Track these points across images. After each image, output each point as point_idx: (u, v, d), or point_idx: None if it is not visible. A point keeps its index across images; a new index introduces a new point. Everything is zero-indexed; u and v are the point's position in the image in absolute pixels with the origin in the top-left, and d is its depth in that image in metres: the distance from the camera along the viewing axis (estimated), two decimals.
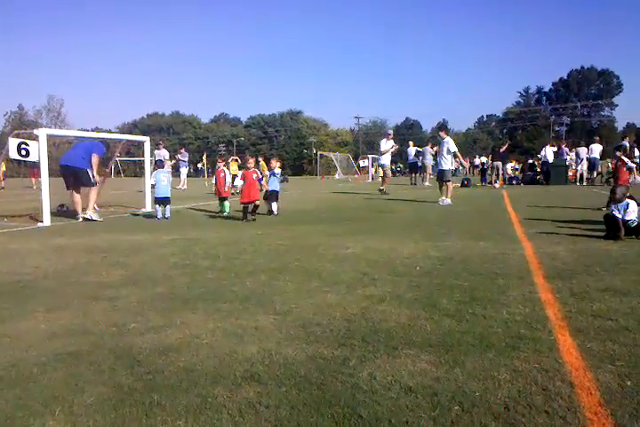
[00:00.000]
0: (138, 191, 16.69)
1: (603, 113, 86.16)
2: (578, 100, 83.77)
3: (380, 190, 15.93)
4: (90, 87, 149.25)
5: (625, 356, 2.49)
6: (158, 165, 10.08)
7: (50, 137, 10.45)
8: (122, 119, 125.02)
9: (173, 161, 22.02)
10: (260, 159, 17.11)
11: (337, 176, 41.03)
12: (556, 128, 78.24)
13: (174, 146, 55.23)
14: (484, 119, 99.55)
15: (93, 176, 9.56)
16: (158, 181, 9.64)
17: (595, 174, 21.07)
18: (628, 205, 6.06)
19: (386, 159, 16.19)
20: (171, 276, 4.49)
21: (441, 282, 4.04)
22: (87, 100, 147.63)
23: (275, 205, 9.79)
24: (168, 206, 9.59)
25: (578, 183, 20.28)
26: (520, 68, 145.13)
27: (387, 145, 16.02)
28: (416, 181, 22.94)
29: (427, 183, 20.73)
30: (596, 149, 20.57)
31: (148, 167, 11.83)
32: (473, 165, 41.65)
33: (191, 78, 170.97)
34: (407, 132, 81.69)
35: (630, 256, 5.00)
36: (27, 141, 8.83)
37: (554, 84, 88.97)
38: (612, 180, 13.81)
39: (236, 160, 19.96)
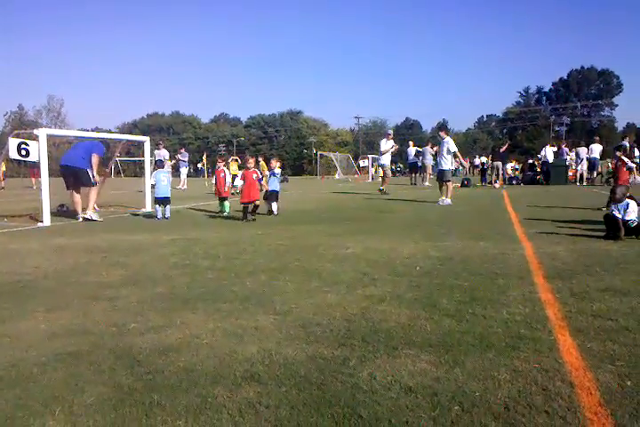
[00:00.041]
0: (138, 191, 16.69)
1: (603, 113, 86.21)
2: (578, 100, 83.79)
3: (380, 190, 15.93)
4: (90, 87, 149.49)
5: (625, 356, 2.49)
6: (158, 165, 10.09)
7: (50, 137, 10.45)
8: (122, 119, 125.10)
9: (173, 161, 22.02)
10: (260, 159, 17.11)
11: (337, 176, 41.03)
12: (556, 128, 78.26)
13: (174, 146, 55.24)
14: (484, 119, 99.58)
15: (93, 176, 9.56)
16: (158, 180, 9.65)
17: (595, 174, 21.07)
18: (628, 205, 6.06)
19: (386, 159, 16.20)
20: (171, 276, 4.49)
21: (441, 282, 4.04)
22: (87, 100, 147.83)
23: (275, 205, 9.79)
24: (168, 206, 9.59)
25: (578, 183, 20.28)
26: (520, 68, 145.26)
27: (387, 145, 16.03)
28: (416, 181, 22.94)
29: (427, 183, 20.74)
30: (596, 149, 20.58)
31: (148, 167, 11.83)
32: (473, 165, 41.66)
33: (191, 78, 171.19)
34: (407, 132, 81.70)
35: (630, 256, 5.00)
36: (27, 141, 8.83)
37: (554, 84, 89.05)
38: (611, 180, 13.82)
39: (236, 160, 19.97)
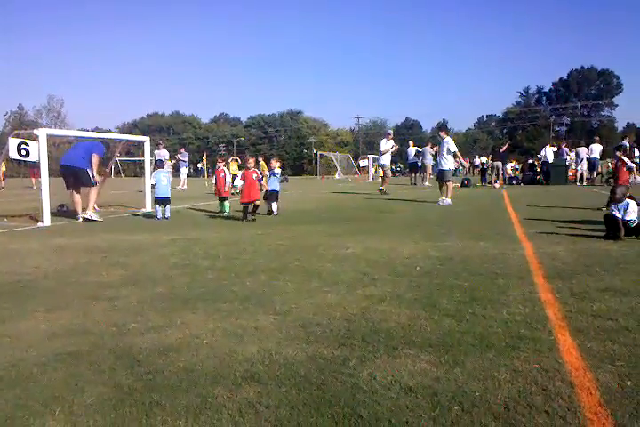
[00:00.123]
0: (138, 191, 16.69)
1: (603, 113, 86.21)
2: (578, 100, 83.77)
3: (380, 190, 15.93)
4: (90, 87, 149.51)
5: (625, 356, 2.49)
6: (158, 165, 10.10)
7: (50, 137, 10.45)
8: (122, 119, 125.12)
9: (173, 161, 22.03)
10: (260, 159, 17.11)
11: (337, 176, 41.03)
12: (556, 128, 78.26)
13: (174, 146, 55.25)
14: (484, 119, 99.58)
15: (93, 176, 9.56)
16: (158, 180, 9.65)
17: (595, 174, 21.07)
18: (628, 205, 6.06)
19: (386, 159, 16.20)
20: (171, 276, 4.49)
21: (441, 282, 4.04)
22: (87, 100, 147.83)
23: (275, 205, 9.79)
24: (168, 206, 9.60)
25: (578, 183, 20.28)
26: (520, 68, 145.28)
27: (387, 145, 16.03)
28: (416, 181, 22.94)
29: (427, 183, 20.74)
30: (596, 149, 20.58)
31: (148, 167, 11.83)
32: (473, 165, 41.66)
33: (191, 78, 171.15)
34: (407, 132, 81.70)
35: (630, 256, 5.00)
36: (27, 141, 8.83)
37: (554, 84, 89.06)
38: (611, 180, 13.82)
39: (236, 160, 19.97)
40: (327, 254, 5.38)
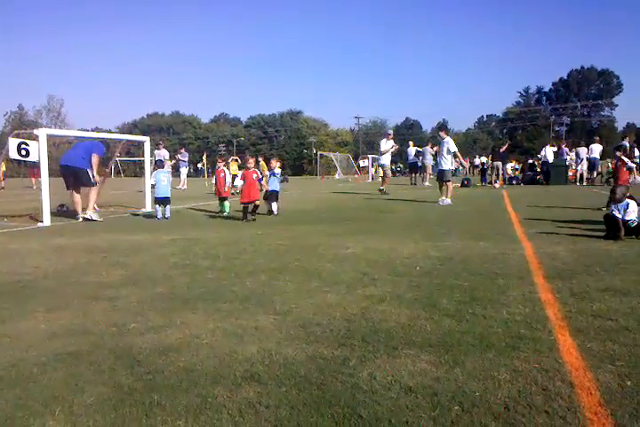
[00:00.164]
0: (138, 191, 16.69)
1: (603, 113, 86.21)
2: (578, 100, 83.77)
3: (380, 190, 15.93)
4: (90, 87, 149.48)
5: (625, 356, 2.49)
6: (158, 164, 10.10)
7: (50, 137, 10.44)
8: (122, 119, 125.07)
9: (173, 161, 22.03)
10: (260, 159, 17.11)
11: (337, 176, 41.03)
12: (556, 128, 78.26)
13: (174, 146, 55.25)
14: (484, 119, 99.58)
15: (93, 176, 9.57)
16: (158, 180, 9.65)
17: (595, 174, 21.08)
18: (628, 205, 6.06)
19: (386, 159, 16.20)
20: (171, 276, 4.49)
21: (441, 282, 4.04)
22: (87, 100, 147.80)
23: (275, 205, 9.79)
24: (168, 206, 9.60)
25: (578, 183, 20.28)
26: (520, 68, 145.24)
27: (387, 145, 16.03)
28: (416, 181, 22.94)
29: (427, 183, 20.74)
30: (596, 149, 20.58)
31: (148, 167, 11.83)
32: (473, 165, 41.66)
33: (191, 78, 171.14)
34: (407, 132, 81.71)
35: (630, 256, 5.00)
36: (27, 141, 8.84)
37: (554, 84, 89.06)
38: (611, 180, 13.82)
39: (236, 160, 19.98)
40: (327, 254, 5.38)
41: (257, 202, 9.00)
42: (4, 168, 23.95)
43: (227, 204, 10.30)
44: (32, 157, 8.88)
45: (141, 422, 1.94)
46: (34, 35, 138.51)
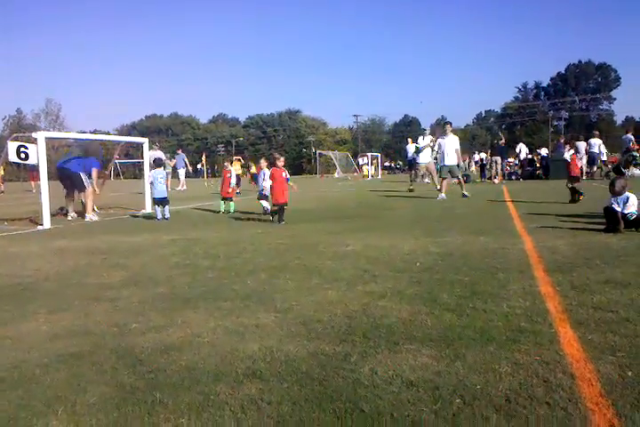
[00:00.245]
0: (137, 193, 16.70)
1: (601, 107, 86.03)
2: (576, 95, 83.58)
3: (410, 190, 15.64)
4: (88, 90, 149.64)
5: (626, 347, 2.49)
6: (157, 163, 10.11)
7: (48, 140, 10.46)
8: (120, 121, 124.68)
9: (174, 160, 22.06)
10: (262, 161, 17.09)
11: (336, 175, 41.05)
12: (555, 123, 78.23)
13: (173, 147, 55.23)
14: (483, 115, 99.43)
15: (87, 182, 9.72)
16: (155, 179, 9.67)
17: (594, 168, 21.08)
18: (627, 198, 6.06)
19: (425, 157, 15.56)
20: (171, 276, 4.50)
21: (441, 277, 4.05)
22: (85, 103, 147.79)
23: (265, 203, 9.78)
24: (167, 207, 9.61)
25: None
26: (518, 64, 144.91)
27: (425, 141, 15.75)
28: (416, 177, 22.91)
29: (427, 180, 20.73)
30: (596, 143, 20.58)
31: (147, 169, 11.84)
32: (473, 161, 41.63)
33: (189, 78, 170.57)
34: (406, 129, 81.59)
35: (630, 249, 5.00)
36: (26, 144, 8.86)
37: (552, 78, 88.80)
38: (611, 173, 13.82)
39: (239, 160, 20.07)
40: (327, 252, 5.38)
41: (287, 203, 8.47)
42: (2, 172, 23.96)
43: (232, 204, 10.35)
44: (31, 160, 8.90)
45: (144, 421, 1.95)
46: (33, 35, 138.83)
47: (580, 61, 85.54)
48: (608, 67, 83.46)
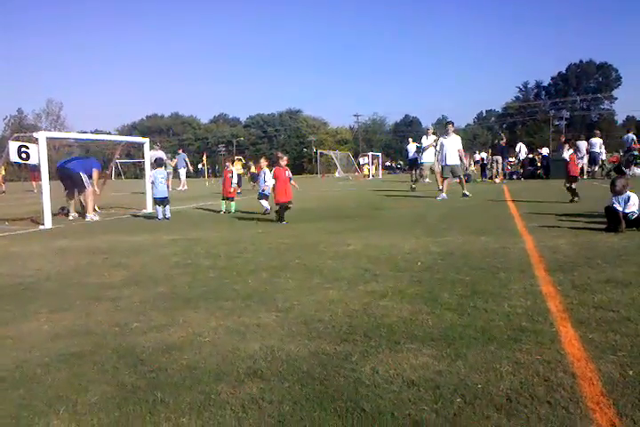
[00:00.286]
0: (139, 193, 16.71)
1: (602, 106, 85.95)
2: (577, 94, 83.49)
3: (412, 189, 15.80)
4: (89, 90, 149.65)
5: (627, 346, 2.49)
6: (158, 163, 10.11)
7: (49, 140, 10.47)
8: (121, 121, 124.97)
9: (175, 160, 22.06)
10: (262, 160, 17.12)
11: (337, 174, 41.05)
12: (556, 122, 78.10)
13: (174, 147, 55.24)
14: (484, 115, 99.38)
15: (87, 181, 9.74)
16: (156, 179, 9.68)
17: (595, 168, 21.06)
18: (629, 197, 6.06)
19: (429, 156, 15.44)
20: (172, 275, 4.50)
21: (442, 277, 4.05)
22: (86, 103, 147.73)
23: (265, 203, 9.78)
24: (168, 206, 9.61)
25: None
26: (518, 63, 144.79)
27: (428, 141, 15.71)
28: (417, 177, 22.91)
29: (427, 180, 20.72)
30: (597, 142, 20.56)
31: (147, 169, 11.84)
32: (473, 161, 41.61)
33: (190, 78, 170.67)
34: (407, 128, 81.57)
35: (631, 248, 4.99)
36: (27, 144, 8.87)
37: (553, 78, 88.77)
38: (612, 173, 13.82)
39: (240, 160, 20.10)
40: (328, 252, 5.38)
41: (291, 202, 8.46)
42: (3, 172, 23.98)
43: (233, 204, 10.35)
44: (32, 160, 8.92)
45: (145, 420, 1.95)
46: (32, 35, 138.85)
47: (580, 61, 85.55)
48: (609, 66, 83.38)
